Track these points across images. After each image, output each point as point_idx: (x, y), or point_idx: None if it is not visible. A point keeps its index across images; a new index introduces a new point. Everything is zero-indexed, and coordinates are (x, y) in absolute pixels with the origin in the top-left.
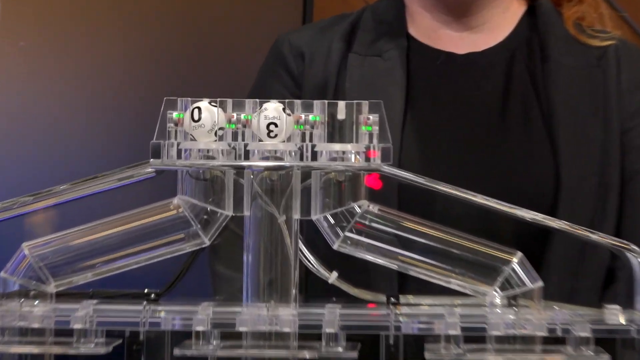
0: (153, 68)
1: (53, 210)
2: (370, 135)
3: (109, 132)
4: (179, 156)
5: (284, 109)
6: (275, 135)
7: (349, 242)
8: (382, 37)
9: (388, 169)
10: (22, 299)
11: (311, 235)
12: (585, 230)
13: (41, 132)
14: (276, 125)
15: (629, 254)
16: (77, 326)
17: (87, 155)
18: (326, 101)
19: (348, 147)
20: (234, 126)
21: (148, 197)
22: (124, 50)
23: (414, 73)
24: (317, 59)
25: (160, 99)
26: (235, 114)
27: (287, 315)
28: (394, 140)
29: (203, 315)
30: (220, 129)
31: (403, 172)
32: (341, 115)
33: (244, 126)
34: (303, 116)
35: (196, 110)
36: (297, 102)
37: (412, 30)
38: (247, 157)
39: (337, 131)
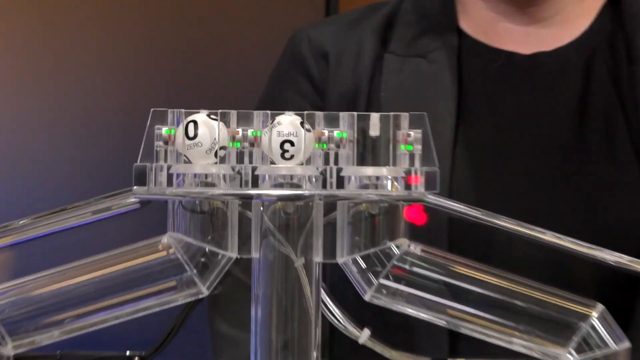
0: (139, 70)
1: (10, 251)
2: (412, 157)
3: (79, 153)
4: (169, 183)
5: (302, 123)
6: (292, 157)
7: (384, 291)
8: (427, 34)
9: (434, 199)
10: None
11: (337, 283)
12: None
13: None
14: (292, 144)
15: None
16: None
17: (52, 181)
18: (355, 113)
19: (383, 171)
20: (239, 145)
21: (131, 234)
22: (102, 44)
23: (467, 79)
24: (345, 60)
25: (146, 110)
26: (240, 130)
27: None
28: (442, 162)
29: None
30: (222, 148)
31: (453, 203)
32: (374, 131)
33: (252, 145)
34: (326, 132)
35: (191, 125)
36: (319, 114)
37: (464, 25)
38: (255, 184)
39: (369, 151)
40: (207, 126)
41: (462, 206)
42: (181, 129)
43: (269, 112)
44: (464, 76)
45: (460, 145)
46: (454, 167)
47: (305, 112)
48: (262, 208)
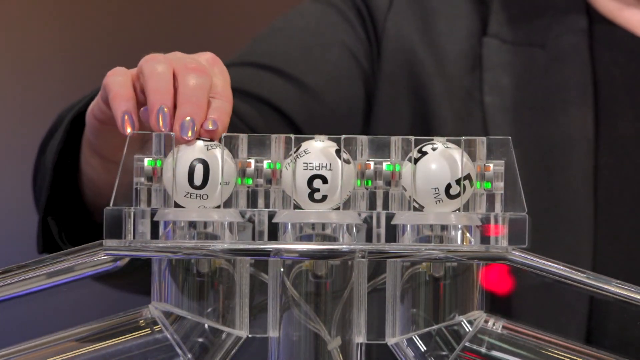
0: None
1: None
2: (491, 198)
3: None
4: (154, 234)
5: (338, 152)
6: (324, 198)
7: None
8: (545, 14)
9: (522, 257)
10: None
11: None
12: None
13: None
14: (325, 181)
15: None
16: None
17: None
18: (412, 138)
19: (451, 218)
20: (250, 181)
21: (103, 298)
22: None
23: (604, 74)
24: (427, 17)
25: None
26: (253, 161)
27: None
28: (578, 202)
29: None
30: (226, 184)
31: (549, 263)
32: None
33: (269, 182)
34: (372, 164)
35: (199, 168)
36: (362, 138)
37: (596, 2)
38: (273, 237)
39: None
40: (206, 155)
41: (560, 267)
42: (170, 159)
43: (292, 136)
44: (598, 72)
45: (602, 177)
46: (597, 212)
47: (343, 137)
48: (282, 269)
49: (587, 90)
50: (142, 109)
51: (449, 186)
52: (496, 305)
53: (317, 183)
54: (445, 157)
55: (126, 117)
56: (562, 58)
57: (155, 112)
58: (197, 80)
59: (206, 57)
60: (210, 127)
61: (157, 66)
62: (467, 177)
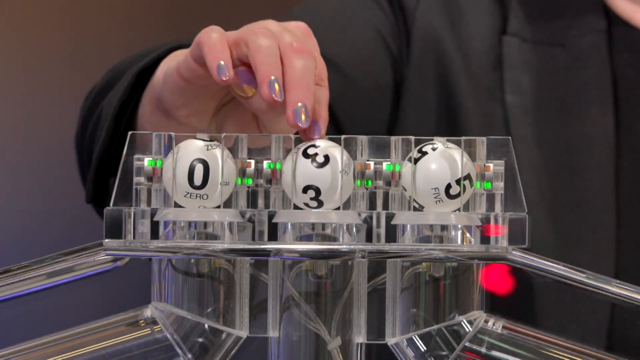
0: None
1: None
2: (491, 198)
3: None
4: (154, 234)
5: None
6: (320, 204)
7: None
8: (564, 14)
9: (521, 257)
10: None
11: None
12: None
13: None
14: (319, 193)
15: None
16: None
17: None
18: (413, 138)
19: (451, 217)
20: (250, 182)
21: (103, 298)
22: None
23: (622, 75)
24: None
25: None
26: (253, 161)
27: None
28: (599, 202)
29: None
30: (226, 184)
31: (549, 263)
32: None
33: (269, 182)
34: (372, 164)
35: (199, 168)
36: (362, 138)
37: (614, 4)
38: (273, 237)
39: None
40: (206, 155)
41: (560, 266)
42: (170, 159)
43: (292, 136)
44: (618, 74)
45: (623, 178)
46: (619, 212)
47: (343, 137)
48: (282, 269)
49: (606, 91)
50: (239, 68)
51: (449, 186)
52: (496, 305)
53: (312, 194)
54: (445, 157)
55: (222, 63)
56: (582, 58)
57: (267, 83)
58: (304, 62)
59: (300, 28)
60: (316, 136)
61: (264, 39)
62: (467, 177)
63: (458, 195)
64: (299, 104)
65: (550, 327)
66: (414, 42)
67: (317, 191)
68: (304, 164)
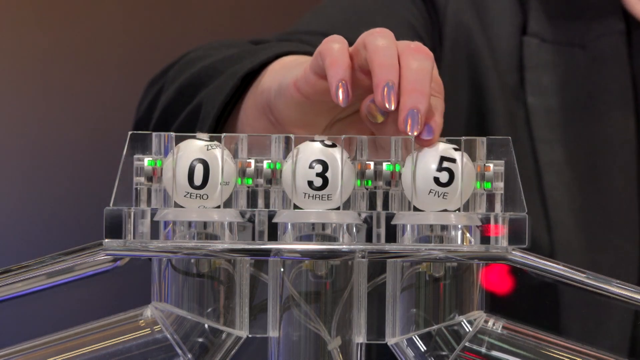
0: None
1: None
2: (491, 198)
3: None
4: (154, 234)
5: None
6: (324, 185)
7: None
8: (583, 15)
9: (521, 257)
10: None
11: None
12: None
13: None
14: (325, 180)
15: None
16: None
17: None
18: (412, 137)
19: (451, 218)
20: (250, 182)
21: (103, 298)
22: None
23: None
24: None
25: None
26: (253, 161)
27: None
28: (625, 196)
29: None
30: (226, 184)
31: (548, 263)
32: None
33: (269, 182)
34: (372, 164)
35: (199, 167)
36: (362, 138)
37: (631, 7)
38: (273, 237)
39: None
40: (206, 155)
41: (560, 267)
42: (170, 159)
43: (292, 135)
44: (637, 77)
45: None
46: None
47: (343, 137)
48: (282, 269)
49: (627, 93)
50: (369, 102)
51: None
52: (496, 305)
53: (318, 182)
54: (430, 150)
55: (341, 85)
56: (603, 59)
57: (382, 88)
58: (421, 63)
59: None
60: (426, 138)
61: (381, 40)
62: (450, 160)
63: (449, 183)
64: (414, 111)
65: (553, 328)
66: (446, 39)
67: (325, 166)
68: (312, 145)
